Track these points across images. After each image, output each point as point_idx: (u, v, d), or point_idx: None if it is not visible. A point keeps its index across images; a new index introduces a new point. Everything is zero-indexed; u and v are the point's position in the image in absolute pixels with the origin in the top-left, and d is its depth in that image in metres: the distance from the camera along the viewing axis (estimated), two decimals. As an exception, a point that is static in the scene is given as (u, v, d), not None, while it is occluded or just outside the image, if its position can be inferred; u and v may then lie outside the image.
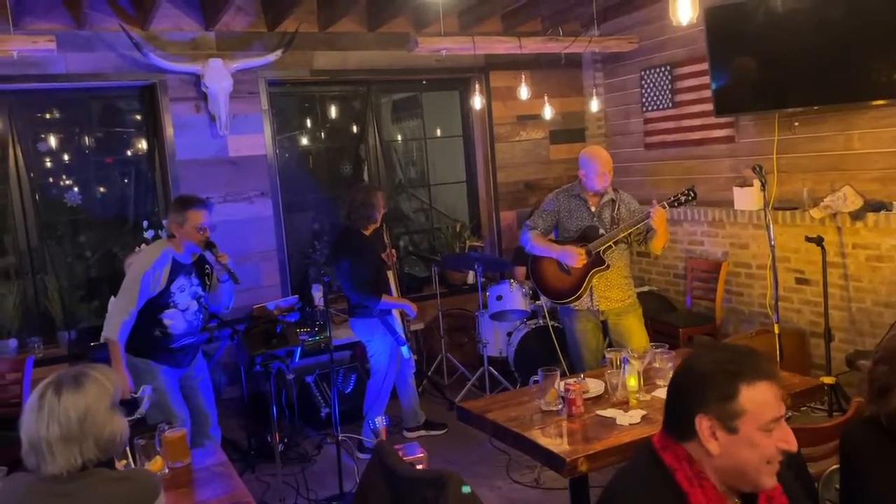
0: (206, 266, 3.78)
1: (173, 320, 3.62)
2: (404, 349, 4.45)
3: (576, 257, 3.90)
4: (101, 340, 4.46)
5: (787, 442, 1.49)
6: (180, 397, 3.68)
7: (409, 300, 4.64)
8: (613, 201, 3.99)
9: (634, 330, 4.01)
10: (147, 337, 3.59)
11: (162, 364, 3.62)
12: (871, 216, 4.29)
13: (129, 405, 3.43)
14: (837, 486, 2.03)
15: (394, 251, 4.75)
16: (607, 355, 3.12)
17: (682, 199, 3.81)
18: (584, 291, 3.97)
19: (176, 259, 3.60)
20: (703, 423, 1.49)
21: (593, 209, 3.99)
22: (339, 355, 5.15)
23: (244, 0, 5.06)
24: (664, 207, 3.72)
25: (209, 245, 3.60)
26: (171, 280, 3.57)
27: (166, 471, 2.53)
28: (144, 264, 3.54)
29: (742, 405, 1.47)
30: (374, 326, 4.41)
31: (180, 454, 2.60)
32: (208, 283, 3.80)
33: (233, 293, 3.86)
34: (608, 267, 3.92)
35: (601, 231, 3.94)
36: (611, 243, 3.90)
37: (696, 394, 1.51)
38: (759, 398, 1.47)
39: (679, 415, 1.54)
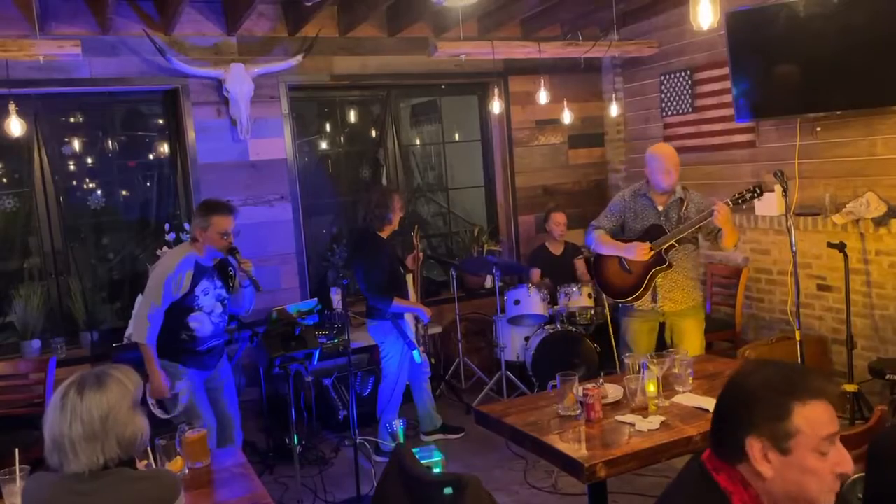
0: (230, 268, 3.80)
1: (200, 323, 3.64)
2: (415, 353, 4.46)
3: (640, 251, 3.84)
4: (125, 341, 4.53)
5: (843, 464, 1.43)
6: (207, 400, 3.72)
7: (425, 305, 4.64)
8: (682, 200, 3.92)
9: (690, 333, 3.95)
10: (174, 341, 3.62)
11: (189, 367, 3.66)
12: (894, 222, 4.24)
13: (165, 403, 3.49)
14: (860, 494, 2.01)
15: (421, 255, 4.76)
16: (626, 360, 3.10)
17: (748, 195, 3.71)
18: (646, 291, 3.92)
19: (199, 262, 3.62)
20: (754, 445, 1.43)
21: (660, 208, 3.93)
22: (357, 358, 5.17)
23: (265, 6, 5.12)
24: (728, 205, 3.66)
25: (232, 251, 3.62)
26: (194, 283, 3.59)
27: (186, 471, 2.56)
28: (167, 268, 3.57)
29: (795, 425, 1.40)
30: (387, 329, 4.43)
31: (200, 455, 2.62)
32: (231, 284, 3.82)
33: (254, 297, 3.89)
34: (670, 266, 3.86)
35: (666, 230, 3.88)
36: (673, 242, 3.83)
37: (746, 415, 1.44)
38: (813, 418, 1.41)
39: (728, 437, 1.48)
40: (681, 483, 1.60)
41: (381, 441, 4.49)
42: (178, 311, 3.59)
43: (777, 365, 1.51)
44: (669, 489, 1.62)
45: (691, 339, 3.93)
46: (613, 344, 4.47)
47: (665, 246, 3.84)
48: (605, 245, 4.02)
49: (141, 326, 3.54)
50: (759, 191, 3.73)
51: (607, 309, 5.09)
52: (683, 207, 3.90)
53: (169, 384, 3.53)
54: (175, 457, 2.53)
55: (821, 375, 1.49)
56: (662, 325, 4.04)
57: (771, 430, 1.42)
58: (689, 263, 3.97)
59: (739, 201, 3.74)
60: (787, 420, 1.41)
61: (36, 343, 4.79)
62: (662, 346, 3.98)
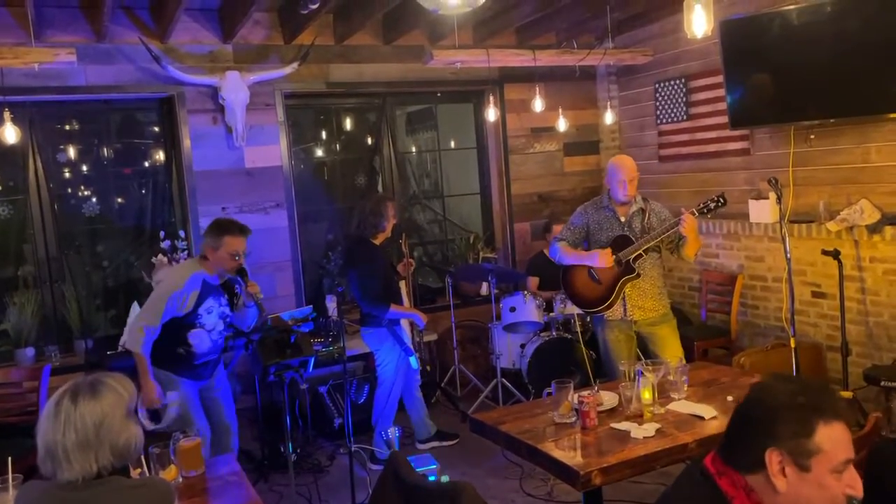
0: (235, 286, 3.79)
1: (199, 340, 3.62)
2: (412, 359, 4.46)
3: (604, 258, 3.88)
4: (119, 349, 4.51)
5: (855, 488, 1.44)
6: (201, 408, 3.70)
7: (421, 311, 4.64)
8: (643, 210, 3.97)
9: (668, 340, 3.96)
10: (170, 353, 3.60)
11: (182, 377, 3.64)
12: (888, 229, 4.25)
13: (157, 413, 3.48)
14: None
15: (412, 261, 4.76)
16: (621, 367, 3.10)
17: (712, 205, 3.76)
18: (616, 300, 3.94)
19: (206, 281, 3.59)
20: (773, 458, 1.43)
21: (623, 219, 3.97)
22: (353, 365, 5.16)
23: (261, 14, 5.12)
24: (693, 214, 3.70)
25: (241, 272, 3.62)
26: (199, 303, 3.56)
27: (180, 479, 2.54)
28: (174, 285, 3.53)
29: (818, 444, 1.41)
30: (382, 336, 4.42)
31: (194, 463, 2.61)
32: (236, 302, 3.80)
33: (257, 316, 3.86)
34: (638, 275, 3.90)
35: (633, 240, 3.91)
36: (641, 252, 3.87)
37: (770, 427, 1.44)
38: (835, 438, 1.42)
39: (746, 446, 1.48)
40: (680, 486, 1.60)
41: (377, 449, 4.47)
42: (179, 326, 3.56)
43: (801, 382, 1.52)
44: (668, 492, 1.62)
45: (670, 347, 3.93)
46: (587, 363, 4.47)
47: (633, 255, 3.87)
48: (568, 256, 4.06)
49: (136, 336, 3.51)
50: (723, 200, 3.78)
51: (560, 327, 5.12)
52: (646, 217, 3.95)
53: (161, 394, 3.52)
54: (169, 465, 2.52)
55: (840, 396, 1.50)
56: (639, 336, 4.05)
57: (793, 445, 1.42)
58: (656, 272, 4.01)
59: (704, 210, 3.78)
60: (810, 437, 1.41)
61: (30, 351, 4.76)
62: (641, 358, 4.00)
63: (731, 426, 1.55)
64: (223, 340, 3.77)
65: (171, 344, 3.58)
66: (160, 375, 3.57)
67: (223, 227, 3.60)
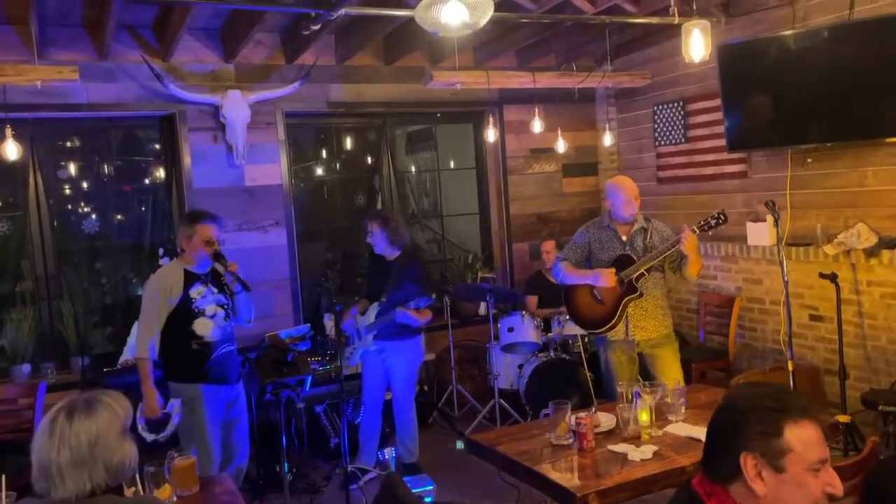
0: (223, 277, 3.82)
1: (206, 328, 3.66)
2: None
3: (606, 277, 3.86)
4: (118, 366, 4.49)
5: (834, 486, 1.44)
6: (217, 433, 3.68)
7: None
8: (645, 229, 3.97)
9: (669, 363, 3.94)
10: (186, 354, 3.62)
11: (210, 384, 3.64)
12: (885, 253, 4.26)
13: (159, 423, 3.47)
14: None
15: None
16: (619, 389, 3.10)
17: (713, 222, 3.75)
18: (619, 320, 3.92)
19: (188, 270, 3.68)
20: (748, 462, 1.43)
21: (624, 238, 3.97)
22: (350, 385, 5.14)
23: (263, 34, 5.17)
24: (694, 232, 3.70)
25: (218, 257, 3.68)
26: (187, 287, 3.64)
27: (174, 499, 2.53)
28: (156, 281, 3.68)
29: (788, 442, 1.42)
30: None
31: (189, 482, 2.60)
32: (229, 291, 3.83)
33: (252, 305, 3.89)
34: (641, 295, 3.88)
35: (634, 259, 3.90)
36: (643, 271, 3.86)
37: (740, 431, 1.45)
38: (804, 437, 1.42)
39: (722, 455, 1.48)
40: None
41: (372, 469, 4.39)
42: (180, 318, 3.62)
43: (767, 385, 1.55)
44: None
45: (670, 369, 3.91)
46: (588, 383, 4.47)
47: (635, 275, 3.86)
48: (571, 275, 4.05)
49: (142, 341, 3.60)
50: (723, 217, 3.77)
51: (557, 348, 5.10)
52: (647, 236, 3.95)
53: (162, 403, 3.51)
54: (163, 484, 2.51)
55: (809, 398, 1.52)
56: (640, 357, 4.03)
57: (764, 447, 1.43)
58: (658, 291, 4.00)
59: (705, 228, 3.77)
60: (779, 437, 1.43)
61: (26, 367, 4.75)
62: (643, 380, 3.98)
63: (706, 440, 1.56)
64: (231, 328, 3.80)
65: (182, 342, 3.62)
66: (185, 390, 3.58)
67: (193, 217, 3.77)
